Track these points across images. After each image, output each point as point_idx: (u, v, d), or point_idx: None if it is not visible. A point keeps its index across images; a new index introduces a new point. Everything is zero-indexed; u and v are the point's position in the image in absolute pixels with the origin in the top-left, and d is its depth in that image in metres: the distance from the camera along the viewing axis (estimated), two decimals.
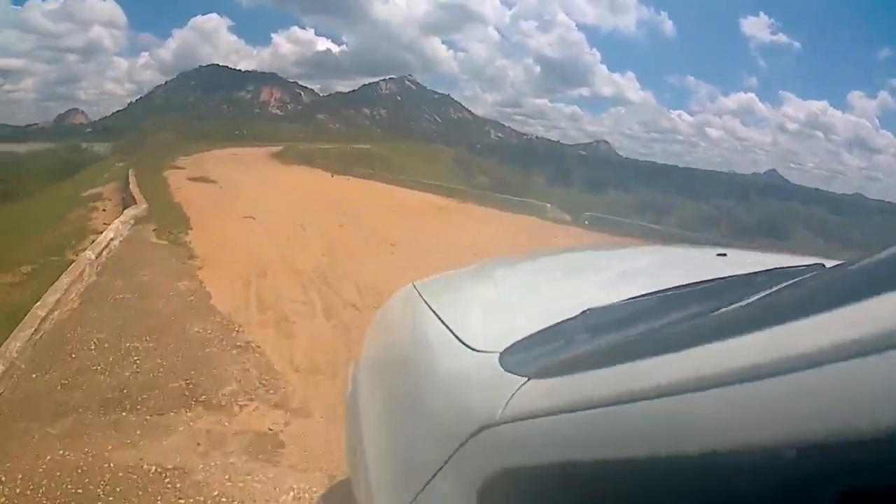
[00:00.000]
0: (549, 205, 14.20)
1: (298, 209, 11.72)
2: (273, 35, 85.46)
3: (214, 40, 72.99)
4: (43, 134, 56.48)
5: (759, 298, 0.80)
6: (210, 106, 66.02)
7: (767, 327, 0.50)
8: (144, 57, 71.02)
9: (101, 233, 7.77)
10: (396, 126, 68.94)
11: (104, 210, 11.39)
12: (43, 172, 25.03)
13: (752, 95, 67.39)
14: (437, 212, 12.99)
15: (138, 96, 70.58)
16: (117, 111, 68.54)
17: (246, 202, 12.28)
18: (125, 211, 8.86)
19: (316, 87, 75.87)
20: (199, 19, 72.84)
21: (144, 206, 9.65)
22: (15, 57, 64.42)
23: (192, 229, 8.82)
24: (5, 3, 59.31)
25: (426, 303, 1.39)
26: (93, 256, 6.19)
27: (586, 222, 13.09)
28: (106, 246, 6.74)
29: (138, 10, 76.98)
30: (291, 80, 73.94)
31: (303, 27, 78.29)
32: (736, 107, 67.80)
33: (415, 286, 1.54)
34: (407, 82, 77.19)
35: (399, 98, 76.87)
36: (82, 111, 69.61)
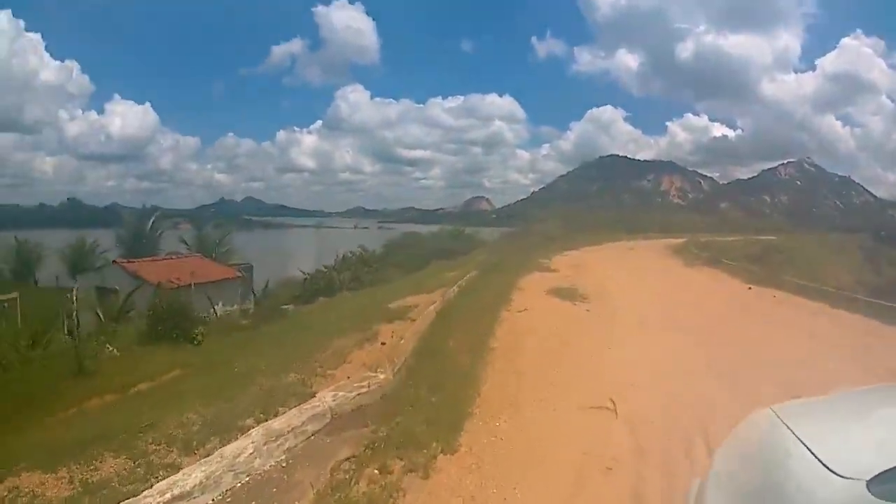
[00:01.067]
0: None
1: (707, 380, 6.21)
2: (668, 123, 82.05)
3: (612, 131, 73.33)
4: (450, 218, 64.61)
5: None
6: (611, 195, 67.42)
7: None
8: (545, 148, 79.81)
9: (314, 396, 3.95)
10: (797, 213, 65.38)
11: (383, 343, 7.99)
12: (411, 258, 25.67)
13: None
14: None
15: (541, 186, 74.57)
16: (521, 199, 73.80)
17: (620, 353, 7.57)
18: (319, 395, 4.81)
19: (715, 174, 73.72)
20: (594, 111, 73.40)
21: (383, 377, 5.51)
22: (423, 149, 78.47)
23: (451, 453, 4.43)
24: (410, 103, 74.42)
25: (788, 427, 1.47)
26: None
27: None
28: None
29: (535, 105, 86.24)
30: (691, 169, 72.05)
31: (696, 114, 72.80)
32: None
33: (773, 411, 1.64)
34: (806, 165, 72.47)
35: (799, 183, 72.52)
36: (487, 198, 78.40)
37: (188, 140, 71.36)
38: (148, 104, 64.90)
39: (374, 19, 69.62)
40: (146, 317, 11.16)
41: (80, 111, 64.58)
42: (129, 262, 20.25)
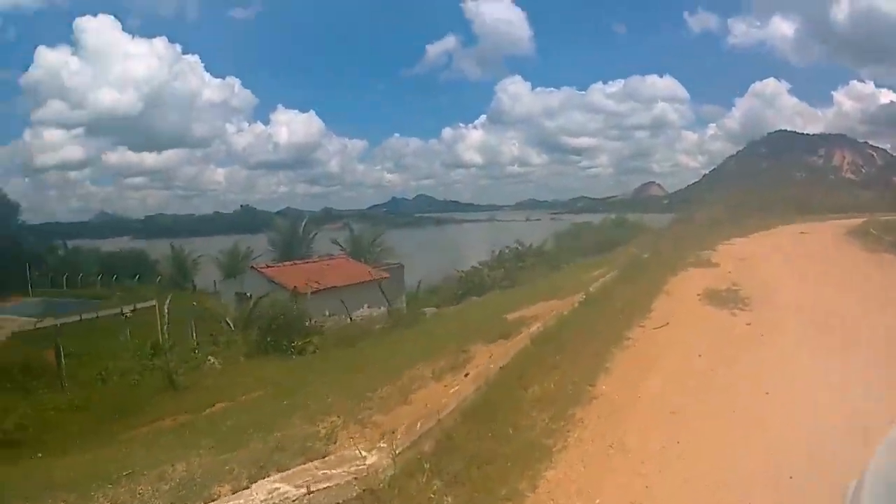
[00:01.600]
0: None
1: None
2: (833, 93, 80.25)
3: (777, 105, 70.00)
4: (621, 206, 62.23)
5: None
6: (782, 173, 63.92)
7: None
8: (712, 128, 77.43)
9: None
10: None
11: (466, 374, 6.73)
12: (567, 251, 24.07)
13: None
14: None
15: (711, 167, 71.76)
16: (692, 183, 70.94)
17: (783, 402, 5.20)
18: (255, 486, 3.72)
19: (887, 145, 67.87)
20: (757, 86, 69.74)
21: (372, 458, 4.08)
22: (588, 136, 78.70)
23: None
24: (571, 90, 73.43)
25: None
26: None
27: None
28: None
29: (696, 84, 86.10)
30: (861, 141, 67.08)
31: (861, 80, 67.27)
32: None
33: None
34: None
35: None
36: (658, 183, 75.57)
37: (355, 143, 76.76)
38: (312, 112, 70.61)
39: (523, 9, 69.50)
40: (257, 327, 11.20)
41: (247, 123, 72.29)
42: (267, 266, 21.26)
